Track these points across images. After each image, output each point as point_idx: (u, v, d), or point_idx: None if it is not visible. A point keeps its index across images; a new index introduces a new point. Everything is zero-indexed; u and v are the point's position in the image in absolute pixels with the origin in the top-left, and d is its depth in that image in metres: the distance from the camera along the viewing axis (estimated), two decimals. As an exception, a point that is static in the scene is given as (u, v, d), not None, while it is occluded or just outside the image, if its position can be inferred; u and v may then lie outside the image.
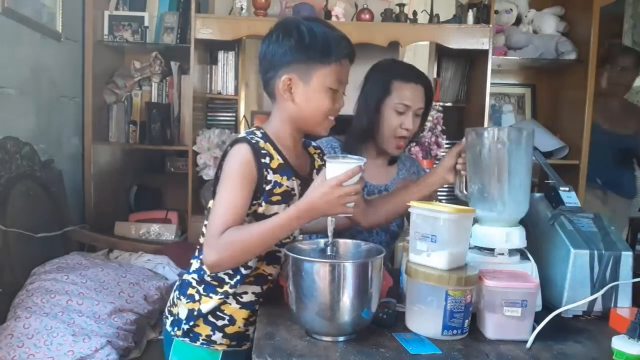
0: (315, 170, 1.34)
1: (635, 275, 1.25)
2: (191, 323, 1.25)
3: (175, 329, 1.27)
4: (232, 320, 1.26)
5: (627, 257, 1.25)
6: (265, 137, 1.23)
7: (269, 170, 1.19)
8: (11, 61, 2.09)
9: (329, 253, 1.16)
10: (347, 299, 1.03)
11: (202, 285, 1.26)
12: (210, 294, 1.25)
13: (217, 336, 1.26)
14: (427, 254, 1.11)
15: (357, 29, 2.72)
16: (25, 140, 2.11)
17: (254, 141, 1.19)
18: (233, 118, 3.13)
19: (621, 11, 3.04)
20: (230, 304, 1.26)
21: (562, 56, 2.98)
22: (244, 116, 3.15)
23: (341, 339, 1.06)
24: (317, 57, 1.18)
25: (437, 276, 1.07)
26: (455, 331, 1.08)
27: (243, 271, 1.24)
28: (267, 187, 1.19)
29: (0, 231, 1.87)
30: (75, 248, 2.35)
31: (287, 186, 1.22)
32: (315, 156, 1.37)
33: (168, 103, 2.96)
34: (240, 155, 1.17)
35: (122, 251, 2.44)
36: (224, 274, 1.24)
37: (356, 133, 1.70)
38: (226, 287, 1.25)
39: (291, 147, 1.27)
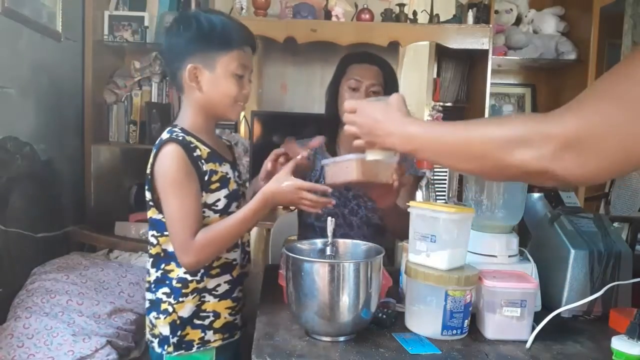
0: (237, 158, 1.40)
1: (635, 275, 1.25)
2: (178, 334, 1.24)
3: (166, 346, 1.26)
4: (216, 314, 1.28)
5: (627, 257, 1.25)
6: (185, 132, 1.25)
7: (202, 161, 1.23)
8: (11, 61, 2.08)
9: (328, 253, 1.16)
10: (346, 299, 1.03)
11: (172, 296, 1.25)
12: (180, 298, 1.25)
13: (210, 334, 1.27)
14: (427, 254, 1.11)
15: (357, 29, 2.72)
16: (25, 140, 2.11)
17: (180, 138, 1.21)
18: (233, 118, 3.13)
19: (621, 11, 3.03)
20: (208, 301, 1.27)
21: (562, 56, 2.97)
22: (244, 116, 3.15)
23: (341, 339, 1.07)
24: (219, 44, 1.22)
25: (436, 276, 1.07)
26: (454, 331, 1.08)
27: None
28: (205, 178, 1.23)
29: (0, 231, 1.87)
30: (75, 248, 2.35)
31: (221, 171, 1.27)
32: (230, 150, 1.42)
33: (168, 103, 2.95)
34: (173, 156, 1.20)
35: (122, 251, 2.44)
36: (184, 272, 1.25)
37: (328, 121, 1.78)
38: (194, 284, 1.25)
39: (209, 136, 1.30)
